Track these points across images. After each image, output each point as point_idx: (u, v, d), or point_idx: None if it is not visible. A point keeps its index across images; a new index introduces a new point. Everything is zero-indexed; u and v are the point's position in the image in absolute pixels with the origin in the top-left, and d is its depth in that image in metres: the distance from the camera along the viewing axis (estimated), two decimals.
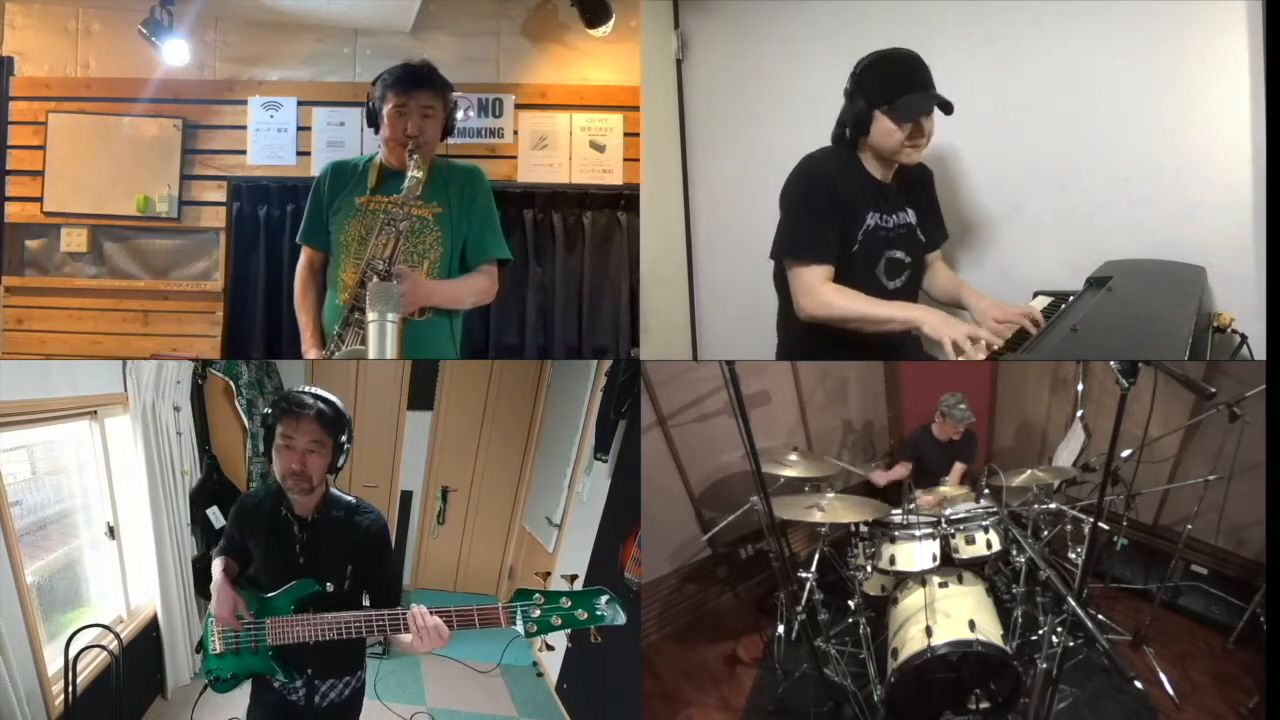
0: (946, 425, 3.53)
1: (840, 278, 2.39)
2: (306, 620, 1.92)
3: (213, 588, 2.04)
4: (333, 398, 2.00)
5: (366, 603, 2.02)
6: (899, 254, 2.51)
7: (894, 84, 2.35)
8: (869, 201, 2.45)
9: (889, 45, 2.43)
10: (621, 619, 1.85)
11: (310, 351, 2.59)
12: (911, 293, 2.60)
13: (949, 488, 3.35)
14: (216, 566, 2.06)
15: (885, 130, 2.38)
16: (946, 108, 2.36)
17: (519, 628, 1.84)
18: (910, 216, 2.56)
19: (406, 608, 1.87)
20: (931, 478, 3.47)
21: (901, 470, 3.55)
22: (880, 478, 3.58)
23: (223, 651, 2.01)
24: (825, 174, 2.42)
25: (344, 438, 1.99)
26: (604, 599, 1.85)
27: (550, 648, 1.94)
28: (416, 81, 2.48)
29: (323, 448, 1.95)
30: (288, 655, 1.98)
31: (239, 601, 1.99)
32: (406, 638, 1.86)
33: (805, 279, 2.39)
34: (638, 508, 2.97)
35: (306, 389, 1.98)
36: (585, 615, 1.84)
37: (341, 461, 2.01)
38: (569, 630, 1.89)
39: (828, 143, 2.52)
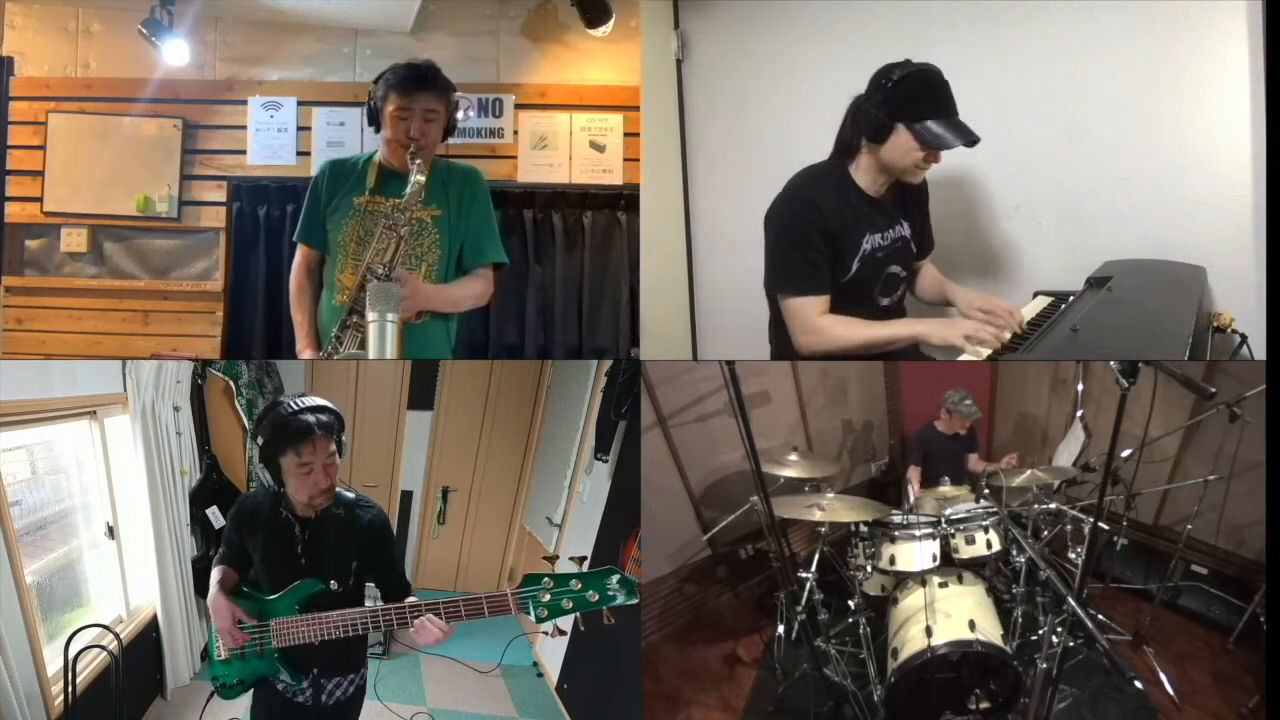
0: (953, 421, 3.54)
1: (835, 303, 2.35)
2: (312, 620, 1.92)
3: (209, 602, 2.03)
4: (324, 403, 1.97)
5: (371, 600, 2.02)
6: (895, 269, 2.48)
7: (926, 104, 2.25)
8: (864, 223, 2.37)
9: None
10: (635, 599, 1.80)
11: (305, 351, 2.59)
12: (901, 305, 2.59)
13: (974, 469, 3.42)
14: (214, 578, 2.05)
15: (903, 146, 2.28)
16: (973, 144, 2.25)
17: (530, 614, 1.80)
18: (905, 229, 2.52)
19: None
20: (939, 474, 3.47)
21: (914, 472, 3.57)
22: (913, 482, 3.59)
23: (228, 657, 2.00)
24: (811, 200, 2.33)
25: (343, 436, 1.99)
26: (615, 578, 1.81)
27: (562, 632, 1.88)
28: (420, 83, 2.46)
29: (334, 456, 1.96)
30: (292, 657, 1.98)
31: (236, 610, 1.98)
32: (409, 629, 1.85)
33: (803, 314, 2.32)
34: (638, 508, 2.96)
35: (297, 405, 1.93)
36: (596, 596, 1.80)
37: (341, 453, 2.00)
38: (579, 614, 1.83)
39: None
